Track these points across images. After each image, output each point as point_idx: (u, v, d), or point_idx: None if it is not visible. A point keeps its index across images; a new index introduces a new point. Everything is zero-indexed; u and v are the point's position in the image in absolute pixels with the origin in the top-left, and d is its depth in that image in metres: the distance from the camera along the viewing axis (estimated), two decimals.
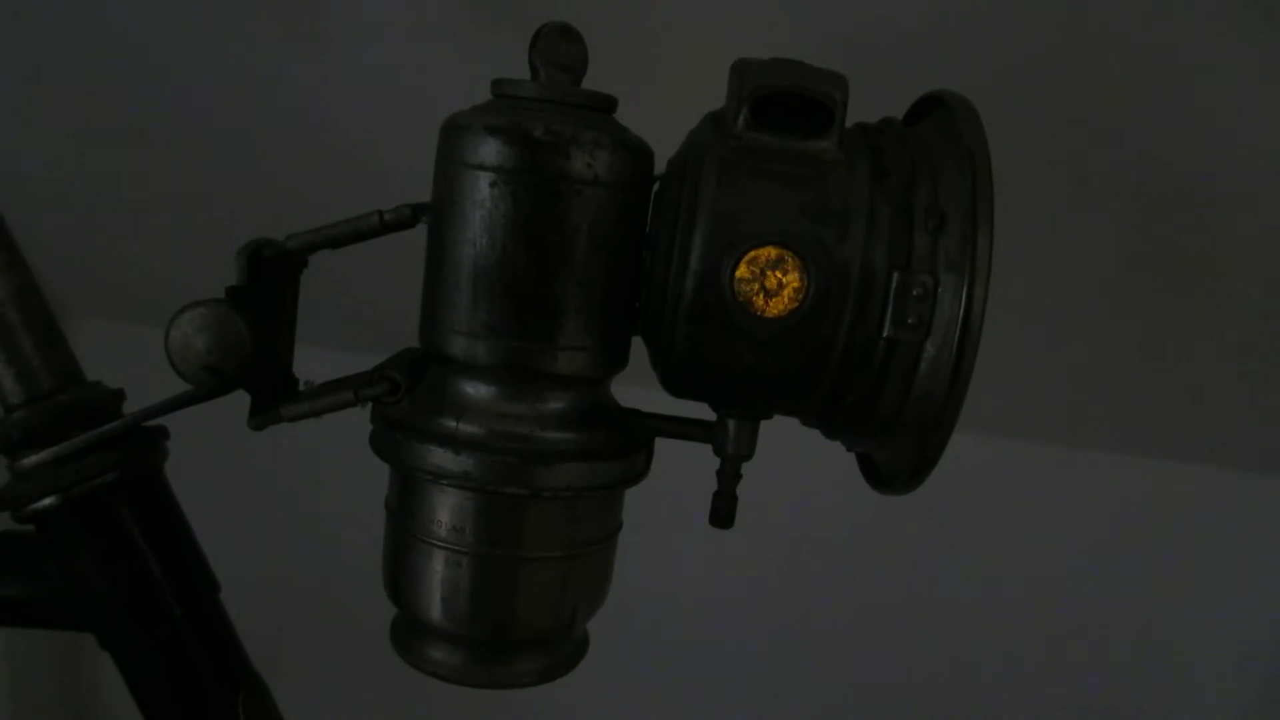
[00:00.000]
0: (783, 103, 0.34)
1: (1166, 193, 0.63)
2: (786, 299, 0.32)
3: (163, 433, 0.40)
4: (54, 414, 0.37)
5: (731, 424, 0.38)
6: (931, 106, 0.37)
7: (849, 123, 0.36)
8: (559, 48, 0.36)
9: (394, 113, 0.71)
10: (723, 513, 0.38)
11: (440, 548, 0.36)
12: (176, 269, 0.81)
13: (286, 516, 0.94)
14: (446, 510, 0.36)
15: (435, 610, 0.37)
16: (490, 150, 0.34)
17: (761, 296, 0.32)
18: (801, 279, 0.32)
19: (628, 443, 0.38)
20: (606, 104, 0.37)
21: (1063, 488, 0.81)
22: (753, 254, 0.32)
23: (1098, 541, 0.82)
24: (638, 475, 0.38)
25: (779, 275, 0.32)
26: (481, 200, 0.34)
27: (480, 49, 0.67)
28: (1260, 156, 0.61)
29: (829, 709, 0.91)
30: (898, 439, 0.35)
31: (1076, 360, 0.73)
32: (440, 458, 0.35)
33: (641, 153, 0.36)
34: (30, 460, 0.37)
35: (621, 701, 0.90)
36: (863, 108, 0.37)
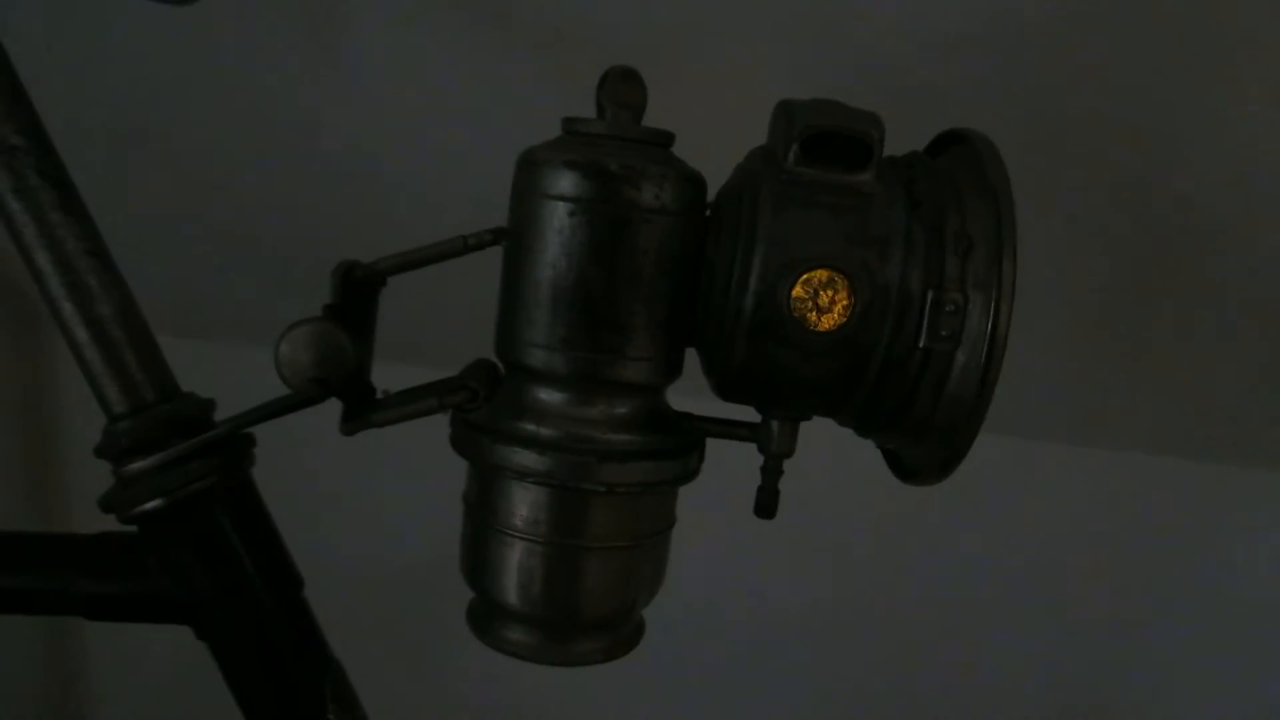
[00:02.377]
0: (823, 138, 0.39)
1: (1163, 196, 0.68)
2: (837, 315, 0.37)
3: (251, 440, 0.43)
4: (157, 423, 0.41)
5: (775, 424, 0.42)
6: (952, 141, 0.42)
7: None
8: (623, 89, 0.40)
9: (400, 130, 0.74)
10: (766, 505, 0.43)
11: (519, 539, 0.40)
12: (204, 281, 0.84)
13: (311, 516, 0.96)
14: (525, 505, 0.40)
15: (513, 595, 0.41)
16: (569, 183, 0.38)
17: (815, 313, 0.37)
18: (850, 297, 0.37)
19: (684, 443, 0.42)
20: (666, 139, 0.41)
21: (1060, 484, 0.85)
22: (807, 275, 0.37)
23: (1095, 536, 0.86)
24: (692, 473, 0.43)
25: (830, 294, 0.37)
26: (561, 227, 0.38)
27: (483, 69, 0.70)
28: (1257, 164, 0.66)
29: (830, 699, 0.94)
30: (929, 438, 0.40)
31: (1073, 359, 0.78)
32: (524, 458, 0.39)
33: (697, 182, 0.40)
34: (136, 466, 0.40)
35: (631, 695, 0.93)
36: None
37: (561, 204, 0.38)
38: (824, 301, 0.37)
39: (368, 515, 0.93)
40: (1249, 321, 0.73)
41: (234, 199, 0.80)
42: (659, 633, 0.90)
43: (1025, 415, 0.81)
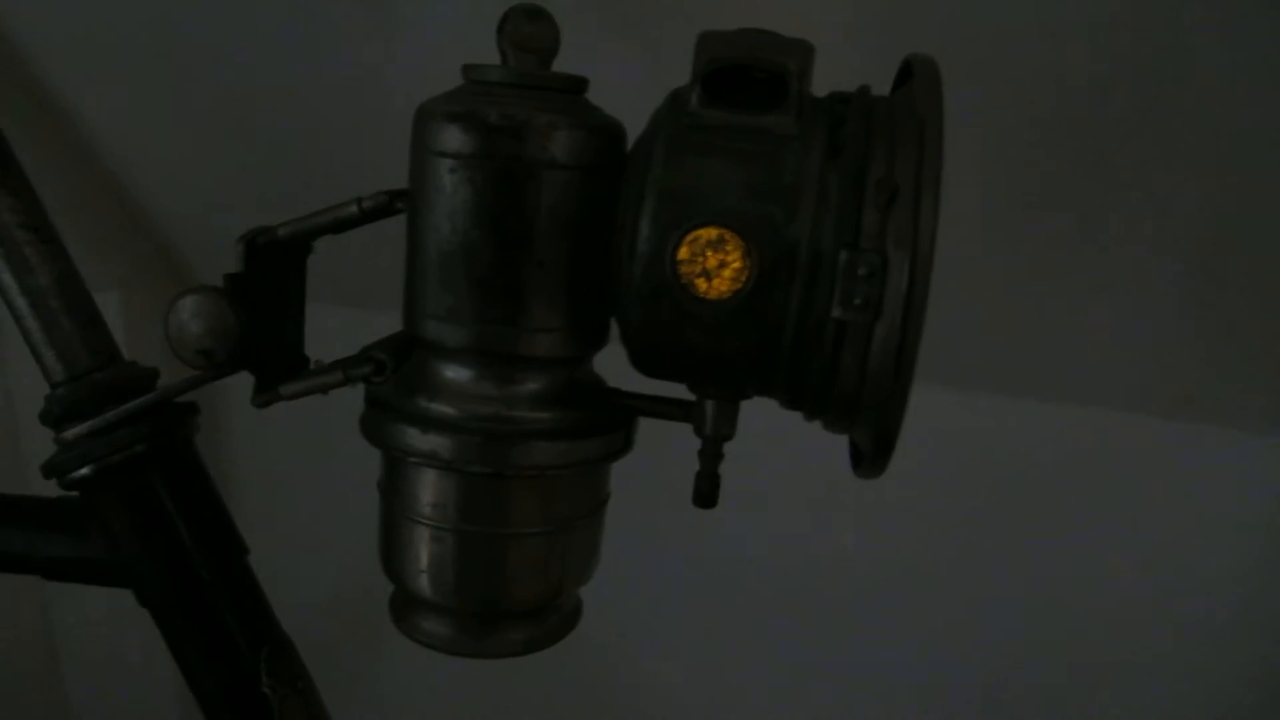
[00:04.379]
0: (748, 75, 0.33)
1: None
2: (728, 280, 0.32)
3: (193, 408, 0.43)
4: (92, 390, 0.41)
5: (709, 404, 0.37)
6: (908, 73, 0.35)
7: (825, 91, 0.35)
8: (526, 30, 0.36)
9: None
10: (704, 493, 0.38)
11: (425, 525, 0.38)
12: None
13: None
14: (428, 489, 0.37)
15: (424, 584, 0.38)
16: (450, 137, 0.34)
17: (703, 279, 0.32)
18: (744, 259, 0.31)
19: (604, 421, 0.38)
20: (574, 85, 0.36)
21: (1137, 457, 0.76)
22: (693, 235, 0.32)
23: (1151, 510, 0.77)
24: (616, 453, 0.39)
25: (720, 256, 0.31)
26: (442, 186, 0.35)
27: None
28: None
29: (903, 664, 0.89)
30: (861, 420, 0.34)
31: (1151, 331, 0.68)
32: (412, 437, 0.36)
33: (607, 133, 0.36)
34: (71, 433, 0.41)
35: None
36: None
37: (444, 160, 0.35)
38: (712, 264, 0.32)
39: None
40: None
41: (285, 151, 0.81)
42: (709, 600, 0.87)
43: (1103, 386, 0.71)
